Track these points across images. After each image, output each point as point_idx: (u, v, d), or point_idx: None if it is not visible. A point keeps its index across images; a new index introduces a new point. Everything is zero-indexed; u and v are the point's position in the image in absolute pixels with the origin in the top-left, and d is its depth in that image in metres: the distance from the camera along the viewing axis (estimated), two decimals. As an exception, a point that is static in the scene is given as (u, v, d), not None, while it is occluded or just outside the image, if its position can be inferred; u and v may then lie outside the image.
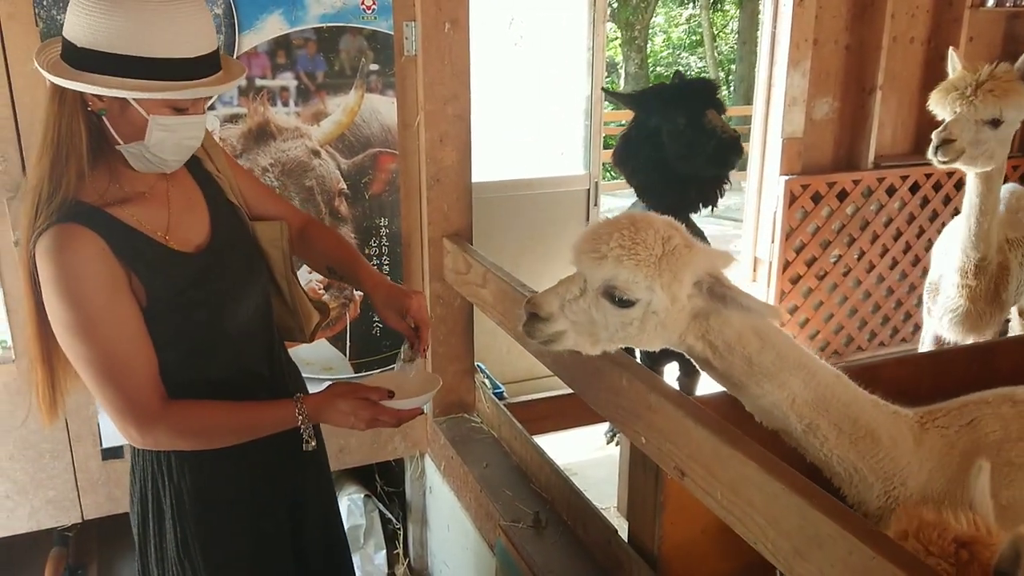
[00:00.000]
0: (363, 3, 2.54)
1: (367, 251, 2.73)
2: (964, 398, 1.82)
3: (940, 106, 2.79)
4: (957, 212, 4.84)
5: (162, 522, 1.66)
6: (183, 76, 1.38)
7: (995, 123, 2.65)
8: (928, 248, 4.90)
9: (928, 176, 4.74)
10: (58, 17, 2.25)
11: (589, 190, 4.14)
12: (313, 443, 1.60)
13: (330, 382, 1.68)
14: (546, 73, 4.04)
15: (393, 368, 1.85)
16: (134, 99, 1.38)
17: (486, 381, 3.38)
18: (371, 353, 2.83)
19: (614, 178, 9.25)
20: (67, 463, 2.57)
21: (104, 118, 1.41)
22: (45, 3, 2.23)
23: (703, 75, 16.26)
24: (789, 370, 1.60)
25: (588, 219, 4.16)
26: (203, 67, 1.41)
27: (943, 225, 4.87)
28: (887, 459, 1.66)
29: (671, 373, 3.50)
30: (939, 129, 2.72)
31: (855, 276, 4.78)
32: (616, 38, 14.63)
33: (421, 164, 2.69)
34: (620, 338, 1.58)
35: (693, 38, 17.25)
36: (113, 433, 2.57)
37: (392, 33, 2.60)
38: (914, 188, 4.75)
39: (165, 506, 1.65)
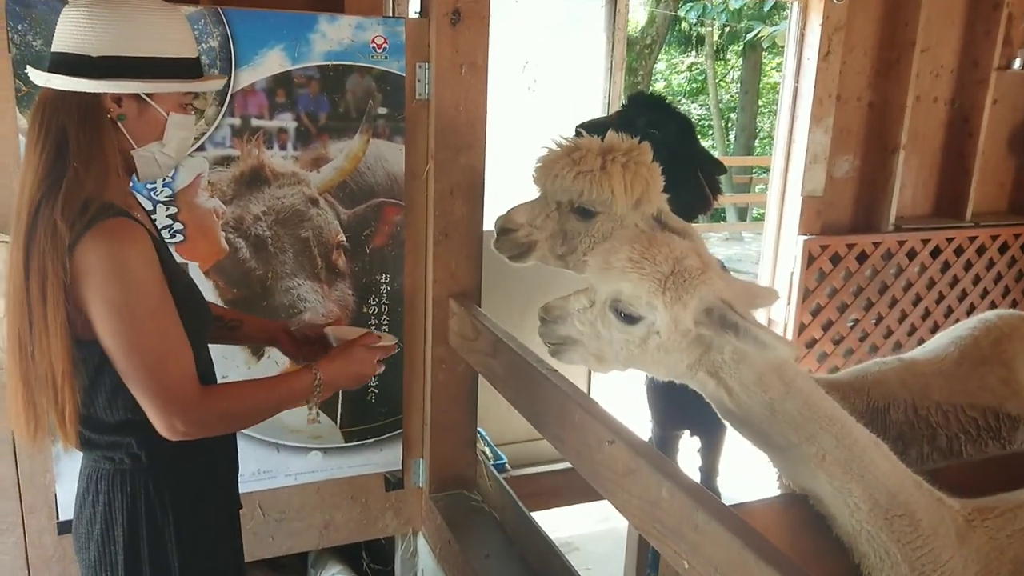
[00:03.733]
0: (373, 42, 2.33)
1: (365, 309, 2.49)
2: (1020, 495, 1.61)
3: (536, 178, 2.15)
4: (978, 279, 4.73)
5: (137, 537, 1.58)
6: (192, 73, 1.50)
7: (584, 212, 2.01)
8: (948, 315, 4.73)
9: (949, 240, 4.56)
10: (33, 43, 2.02)
11: (598, 242, 3.92)
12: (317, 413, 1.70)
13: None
14: (560, 119, 3.84)
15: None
16: (153, 94, 1.45)
17: (486, 451, 3.13)
18: (365, 421, 2.57)
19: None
20: (18, 537, 2.28)
21: (121, 124, 1.46)
22: (20, 28, 2.01)
23: (703, 122, 16.22)
24: (819, 422, 1.50)
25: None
26: (199, 67, 1.53)
27: (963, 292, 4.71)
28: (926, 548, 1.49)
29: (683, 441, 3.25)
30: (501, 213, 2.15)
31: (872, 342, 4.57)
32: (618, 82, 14.57)
33: (429, 217, 2.46)
34: (624, 357, 1.57)
35: (694, 86, 17.26)
36: (71, 504, 2.29)
37: (403, 75, 2.38)
38: (935, 252, 4.57)
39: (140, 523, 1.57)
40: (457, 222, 2.46)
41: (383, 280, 2.49)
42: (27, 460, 2.25)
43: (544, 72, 3.79)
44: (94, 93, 1.41)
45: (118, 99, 1.44)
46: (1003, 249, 4.72)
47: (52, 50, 1.43)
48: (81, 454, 1.59)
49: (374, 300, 2.50)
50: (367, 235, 2.45)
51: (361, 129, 2.38)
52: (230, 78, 2.21)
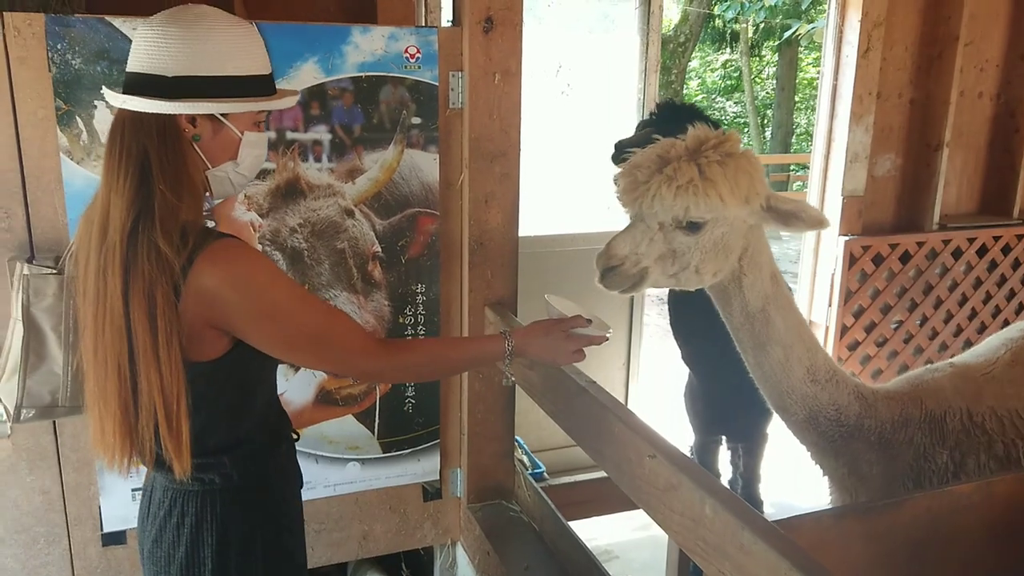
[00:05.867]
0: (406, 52, 2.33)
1: (401, 320, 2.48)
2: None
3: (621, 200, 1.93)
4: (1028, 278, 4.59)
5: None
6: (266, 91, 1.49)
7: (692, 226, 1.82)
8: (995, 315, 4.60)
9: (997, 239, 4.44)
10: (72, 61, 2.04)
11: (635, 246, 3.88)
12: (513, 378, 1.80)
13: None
14: (594, 123, 3.81)
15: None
16: (229, 115, 1.45)
17: (524, 459, 3.11)
18: (401, 431, 2.57)
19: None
20: (63, 549, 2.31)
21: (196, 144, 1.45)
22: (59, 47, 2.03)
23: (740, 120, 16.04)
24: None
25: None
26: (272, 84, 1.51)
27: (1012, 292, 4.58)
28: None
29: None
30: (602, 248, 1.89)
31: (917, 344, 4.46)
32: (651, 81, 14.47)
33: (464, 226, 2.45)
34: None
35: (728, 83, 17.08)
36: (115, 516, 2.33)
37: (437, 84, 2.37)
38: (981, 251, 4.44)
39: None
40: (492, 231, 2.45)
41: (419, 290, 2.49)
42: (72, 473, 2.28)
43: (577, 75, 3.75)
44: (169, 114, 1.39)
45: (192, 119, 1.42)
46: (1053, 247, 4.58)
47: (127, 70, 1.42)
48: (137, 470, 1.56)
49: (410, 310, 2.49)
50: (402, 245, 2.44)
51: (395, 140, 2.37)
52: (265, 91, 2.21)
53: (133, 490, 2.31)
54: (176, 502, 1.52)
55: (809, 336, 1.98)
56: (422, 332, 2.52)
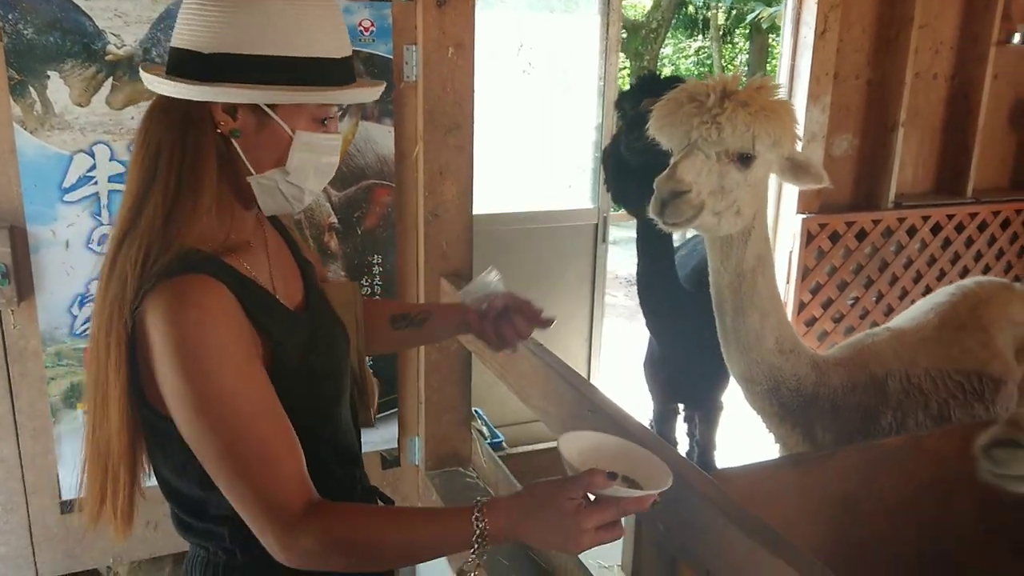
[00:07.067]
0: (360, 25, 2.36)
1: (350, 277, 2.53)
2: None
3: (667, 129, 1.88)
4: (980, 256, 4.71)
5: None
6: (331, 80, 1.16)
7: (744, 159, 1.81)
8: (949, 292, 4.71)
9: (950, 217, 4.55)
10: (24, 31, 2.06)
11: (597, 224, 3.94)
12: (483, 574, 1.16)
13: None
14: (555, 102, 3.86)
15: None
16: (276, 106, 1.15)
17: (483, 430, 3.17)
18: (360, 400, 2.62)
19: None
20: (22, 517, 2.34)
21: (235, 141, 1.16)
22: (11, 18, 2.05)
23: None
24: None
25: (596, 254, 3.95)
26: (347, 71, 1.19)
27: (965, 269, 4.69)
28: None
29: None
30: (664, 174, 1.79)
31: (873, 319, 4.57)
32: (625, 67, 14.54)
33: (419, 198, 2.50)
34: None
35: (702, 69, 17.16)
36: (73, 484, 2.36)
37: (391, 57, 2.41)
38: (936, 229, 4.55)
39: None
40: (447, 202, 2.49)
41: (375, 261, 2.53)
42: (30, 441, 2.31)
43: (539, 55, 3.79)
44: (200, 102, 1.13)
45: (233, 110, 1.15)
46: (1005, 225, 4.70)
47: (171, 45, 1.18)
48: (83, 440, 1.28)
49: (367, 281, 2.53)
50: (358, 217, 2.48)
51: (350, 112, 2.41)
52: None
53: (91, 458, 2.34)
54: (190, 565, 1.29)
55: (781, 307, 2.03)
56: (379, 302, 2.56)
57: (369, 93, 1.24)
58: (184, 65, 1.13)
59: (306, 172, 1.20)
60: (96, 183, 2.23)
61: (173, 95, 1.13)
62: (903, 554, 1.86)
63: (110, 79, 2.20)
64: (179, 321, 1.06)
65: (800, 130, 1.85)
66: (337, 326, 1.38)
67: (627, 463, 1.15)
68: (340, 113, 1.24)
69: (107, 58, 2.19)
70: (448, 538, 1.11)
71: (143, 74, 1.19)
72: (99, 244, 2.25)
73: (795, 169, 1.88)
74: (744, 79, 1.85)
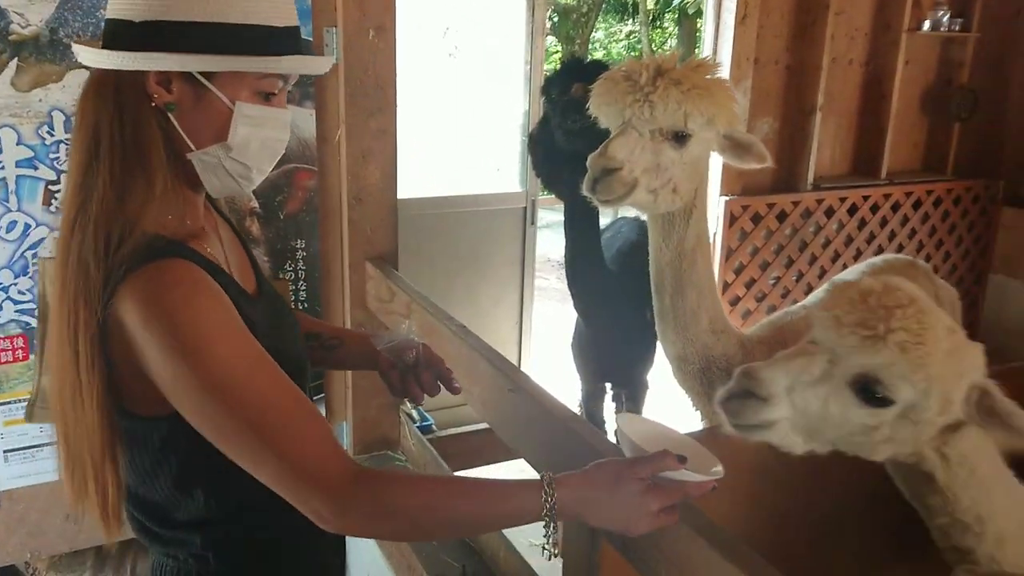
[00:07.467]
0: (278, 5, 2.32)
1: (282, 276, 2.50)
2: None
3: (604, 108, 1.89)
4: (894, 235, 4.91)
5: None
6: (272, 49, 1.10)
7: (679, 137, 1.82)
8: (865, 270, 4.90)
9: (866, 198, 4.72)
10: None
11: (526, 208, 3.97)
12: (557, 552, 1.14)
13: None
14: (482, 86, 3.86)
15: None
16: (213, 76, 1.08)
17: (413, 413, 3.18)
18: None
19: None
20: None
21: (171, 115, 1.09)
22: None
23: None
24: (997, 477, 1.38)
25: (525, 237, 3.99)
26: (291, 42, 1.13)
27: (880, 248, 4.88)
28: None
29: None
30: (597, 152, 1.80)
31: (794, 298, 4.71)
32: (557, 51, 14.59)
33: (342, 182, 2.48)
34: (846, 442, 1.29)
35: (633, 53, 17.32)
36: (8, 473, 2.29)
37: (311, 39, 2.38)
38: (852, 210, 4.72)
39: None
40: (371, 186, 2.48)
41: (299, 245, 2.51)
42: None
43: (465, 38, 3.79)
44: (134, 73, 1.06)
45: (167, 82, 1.08)
46: (916, 205, 4.90)
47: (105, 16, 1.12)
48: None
49: (290, 266, 2.51)
50: (280, 201, 2.45)
51: (270, 94, 2.37)
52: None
53: (5, 451, 2.27)
54: (157, 571, 1.24)
55: (715, 288, 2.07)
56: (303, 288, 2.54)
57: (313, 63, 1.18)
58: (115, 36, 1.08)
59: (250, 147, 1.14)
60: (3, 167, 2.15)
61: (101, 65, 1.08)
62: (817, 517, 1.94)
63: (15, 60, 2.12)
64: (166, 304, 1.02)
65: (738, 109, 1.85)
66: (289, 313, 1.38)
67: (678, 449, 1.11)
68: (287, 87, 1.17)
69: (11, 38, 2.11)
70: (518, 511, 1.08)
71: (75, 47, 1.14)
72: (7, 231, 2.18)
73: (736, 148, 1.88)
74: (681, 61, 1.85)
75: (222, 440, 1.06)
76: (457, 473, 2.47)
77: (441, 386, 1.43)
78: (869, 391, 1.19)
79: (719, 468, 1.09)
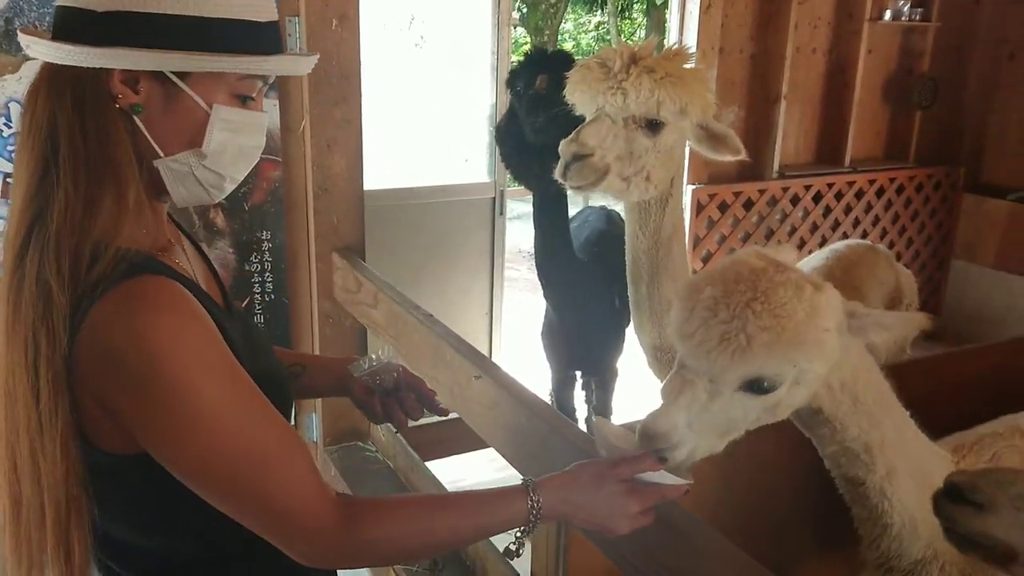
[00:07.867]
0: (240, -6, 2.30)
1: (247, 267, 2.49)
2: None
3: (578, 95, 1.89)
4: (858, 222, 4.98)
5: None
6: (253, 47, 0.99)
7: (653, 125, 1.81)
8: (831, 257, 4.97)
9: (830, 186, 4.78)
10: None
11: (495, 198, 3.97)
12: (522, 552, 1.14)
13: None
14: (449, 76, 3.85)
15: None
16: (188, 75, 0.98)
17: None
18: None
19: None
20: None
21: (137, 118, 0.97)
22: None
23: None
24: (884, 409, 1.42)
25: (494, 228, 3.99)
26: (272, 38, 1.02)
27: (844, 235, 4.95)
28: None
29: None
30: (569, 137, 1.81)
31: (761, 285, 4.77)
32: (526, 42, 14.58)
33: (307, 172, 2.47)
34: (756, 423, 1.31)
35: (602, 44, 17.37)
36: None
37: (274, 29, 2.36)
38: (817, 197, 4.78)
39: None
40: (336, 176, 2.48)
41: (264, 237, 2.49)
42: None
43: (431, 28, 3.77)
44: (92, 69, 0.94)
45: (133, 81, 0.97)
46: (880, 192, 4.97)
47: (55, 3, 0.99)
48: None
49: (256, 258, 2.49)
50: (245, 192, 2.44)
51: (232, 85, 2.35)
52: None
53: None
54: None
55: (689, 276, 2.08)
56: (269, 280, 2.53)
57: (302, 63, 1.09)
58: (72, 27, 0.95)
59: (225, 155, 1.03)
60: (-41, 161, 2.12)
61: (60, 61, 0.95)
62: (778, 506, 1.97)
63: (-31, 50, 2.08)
64: (146, 329, 0.90)
65: (712, 99, 1.84)
66: (255, 325, 1.34)
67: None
68: (264, 89, 1.07)
69: (-35, 28, 2.07)
70: (506, 521, 1.06)
71: (21, 37, 1.00)
72: (-35, 225, 2.14)
73: (711, 139, 1.87)
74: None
75: (201, 481, 0.96)
76: (433, 462, 2.48)
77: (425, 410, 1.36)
78: (757, 387, 1.21)
79: (683, 481, 1.12)
